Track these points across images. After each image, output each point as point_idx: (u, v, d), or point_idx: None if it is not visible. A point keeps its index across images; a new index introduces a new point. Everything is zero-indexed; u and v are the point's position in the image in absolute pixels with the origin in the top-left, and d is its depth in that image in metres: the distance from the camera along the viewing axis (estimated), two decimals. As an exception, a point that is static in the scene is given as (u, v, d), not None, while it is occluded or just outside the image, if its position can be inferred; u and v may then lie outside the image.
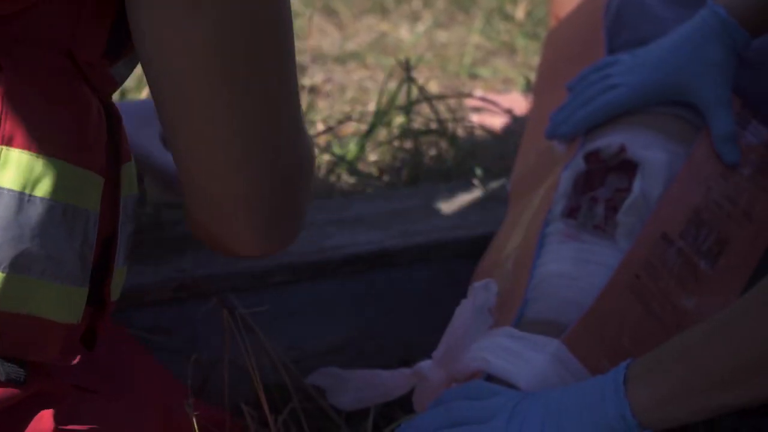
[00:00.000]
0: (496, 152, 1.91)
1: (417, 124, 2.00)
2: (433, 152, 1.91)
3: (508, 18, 2.79)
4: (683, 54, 1.33)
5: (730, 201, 1.28)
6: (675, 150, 1.30)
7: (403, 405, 1.36)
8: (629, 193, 1.25)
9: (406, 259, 1.47)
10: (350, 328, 1.47)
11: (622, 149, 1.28)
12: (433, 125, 1.96)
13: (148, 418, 1.10)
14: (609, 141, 1.30)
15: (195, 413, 1.08)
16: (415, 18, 2.85)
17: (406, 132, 1.90)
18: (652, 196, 1.25)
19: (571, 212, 1.26)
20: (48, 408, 1.00)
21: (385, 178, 1.77)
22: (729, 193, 1.29)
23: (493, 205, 1.58)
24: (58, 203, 0.93)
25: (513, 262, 1.28)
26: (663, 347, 1.04)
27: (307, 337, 1.45)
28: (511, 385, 1.12)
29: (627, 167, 1.28)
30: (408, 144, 1.91)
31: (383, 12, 2.90)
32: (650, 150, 1.29)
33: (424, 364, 1.21)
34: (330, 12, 2.86)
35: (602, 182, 1.28)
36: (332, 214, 1.54)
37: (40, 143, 0.92)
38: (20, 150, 0.91)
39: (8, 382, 0.95)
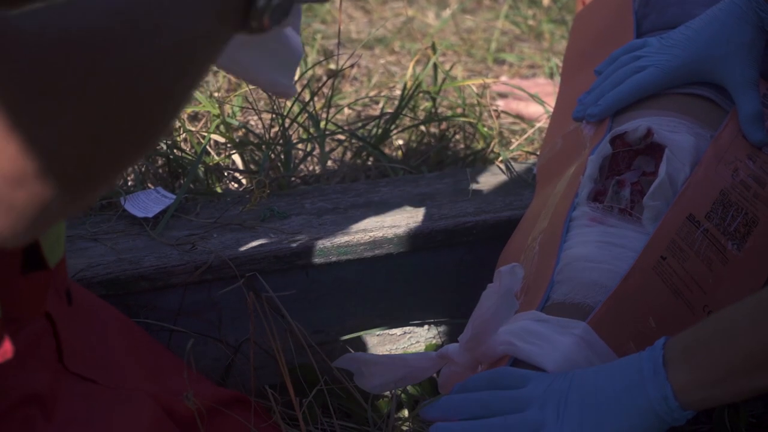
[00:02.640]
0: (521, 137, 1.91)
1: (443, 108, 2.00)
2: (458, 136, 1.91)
3: (534, 3, 2.79)
4: (711, 34, 1.33)
5: (758, 182, 1.27)
6: (701, 133, 1.30)
7: (428, 388, 1.36)
8: (655, 177, 1.25)
9: (432, 242, 1.47)
10: (376, 311, 1.47)
11: (649, 133, 1.27)
12: (459, 110, 1.96)
13: (143, 408, 1.10)
14: (636, 124, 1.29)
15: (195, 403, 1.07)
16: (442, 3, 2.84)
17: (431, 116, 1.90)
18: (679, 180, 1.25)
19: (597, 196, 1.26)
20: (38, 413, 1.00)
21: (411, 162, 1.77)
22: (756, 174, 1.28)
23: (518, 189, 1.58)
24: None
25: (540, 245, 1.28)
26: (700, 328, 1.03)
27: (333, 320, 1.45)
28: (538, 369, 1.11)
29: (654, 150, 1.27)
30: (434, 128, 1.91)
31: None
32: (677, 133, 1.29)
33: (451, 348, 1.21)
34: (360, 1, 2.86)
35: (629, 166, 1.28)
36: (359, 197, 1.55)
37: None
38: None
39: None
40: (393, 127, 1.84)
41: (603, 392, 1.03)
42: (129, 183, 1.59)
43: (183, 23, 0.71)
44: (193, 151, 1.71)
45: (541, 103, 1.94)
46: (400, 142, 1.87)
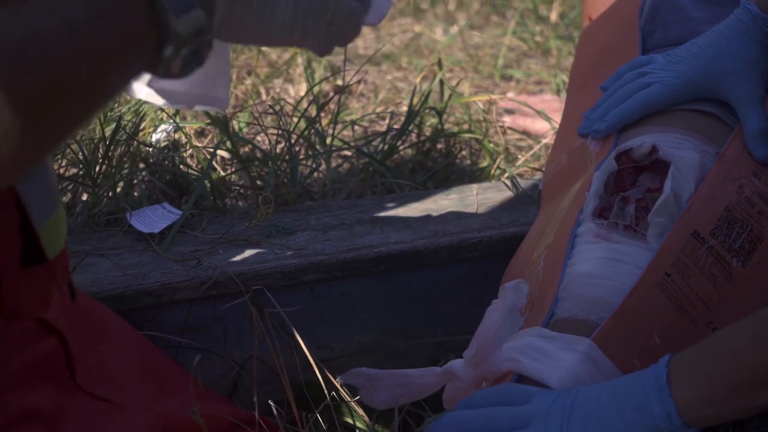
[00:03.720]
0: (527, 153, 1.91)
1: (449, 124, 2.00)
2: (464, 153, 1.91)
3: (541, 20, 2.79)
4: (717, 51, 1.33)
5: (763, 199, 1.27)
6: (707, 149, 1.30)
7: (432, 404, 1.36)
8: (660, 193, 1.25)
9: (437, 258, 1.47)
10: (382, 327, 1.48)
11: (654, 149, 1.28)
12: (465, 126, 1.96)
13: (153, 428, 1.10)
14: (641, 141, 1.30)
15: (201, 419, 1.07)
16: (450, 20, 2.85)
17: (438, 132, 1.90)
18: (684, 196, 1.25)
19: (602, 212, 1.26)
20: (41, 429, 1.00)
21: (417, 178, 1.78)
22: (762, 190, 1.28)
23: (524, 205, 1.58)
24: None
25: (544, 261, 1.28)
26: (704, 345, 1.03)
27: (339, 336, 1.46)
28: (542, 385, 1.11)
29: (659, 167, 1.28)
30: (440, 144, 1.91)
31: (418, 13, 2.90)
32: (682, 150, 1.29)
33: (455, 363, 1.21)
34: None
35: (634, 182, 1.28)
36: (364, 213, 1.55)
37: None
38: None
39: None
40: (399, 143, 1.84)
41: (607, 409, 1.03)
42: (135, 195, 1.60)
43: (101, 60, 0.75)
44: (199, 167, 1.71)
45: (548, 119, 1.94)
46: (407, 158, 1.88)
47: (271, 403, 1.22)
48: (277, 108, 1.86)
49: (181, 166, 1.68)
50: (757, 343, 1.00)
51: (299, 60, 2.34)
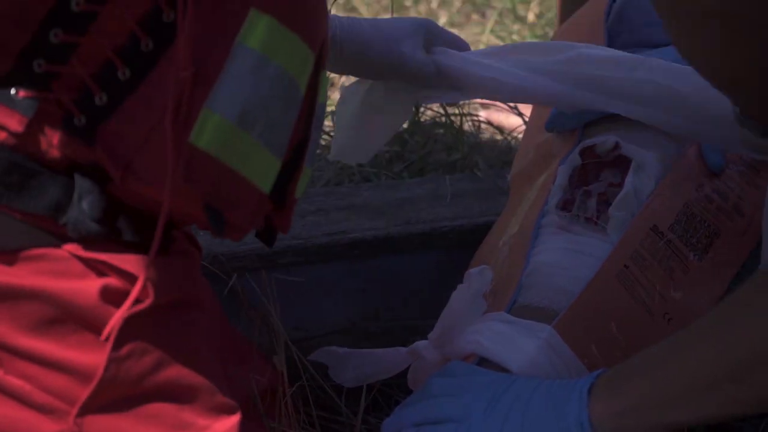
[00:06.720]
0: (500, 146, 1.95)
1: (426, 117, 2.03)
2: (440, 145, 1.95)
3: (519, 19, 2.83)
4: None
5: (721, 196, 1.30)
6: (668, 148, 1.33)
7: (401, 383, 1.40)
8: (622, 189, 1.28)
9: (409, 245, 1.50)
10: (354, 310, 1.50)
11: (617, 146, 1.31)
12: (442, 119, 2.00)
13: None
14: (604, 137, 1.32)
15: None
16: (431, 17, 2.89)
17: (415, 124, 1.94)
18: (644, 192, 1.28)
19: (565, 205, 1.29)
20: (198, 318, 1.07)
21: (394, 168, 1.81)
22: (720, 188, 1.31)
23: (494, 196, 1.61)
24: (287, 74, 0.98)
25: (509, 250, 1.31)
26: (629, 360, 1.07)
27: (313, 318, 1.48)
28: (503, 369, 1.15)
29: (621, 163, 1.31)
30: (417, 136, 1.94)
31: (401, 11, 2.94)
32: (644, 147, 1.32)
33: (421, 344, 1.25)
34: (350, 9, 2.90)
35: (596, 177, 1.31)
36: (341, 200, 1.59)
37: (282, 13, 0.96)
38: (269, 16, 0.96)
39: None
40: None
41: (533, 403, 1.06)
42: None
43: None
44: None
45: (520, 114, 1.97)
46: (384, 148, 1.91)
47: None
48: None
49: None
50: (667, 362, 1.03)
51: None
